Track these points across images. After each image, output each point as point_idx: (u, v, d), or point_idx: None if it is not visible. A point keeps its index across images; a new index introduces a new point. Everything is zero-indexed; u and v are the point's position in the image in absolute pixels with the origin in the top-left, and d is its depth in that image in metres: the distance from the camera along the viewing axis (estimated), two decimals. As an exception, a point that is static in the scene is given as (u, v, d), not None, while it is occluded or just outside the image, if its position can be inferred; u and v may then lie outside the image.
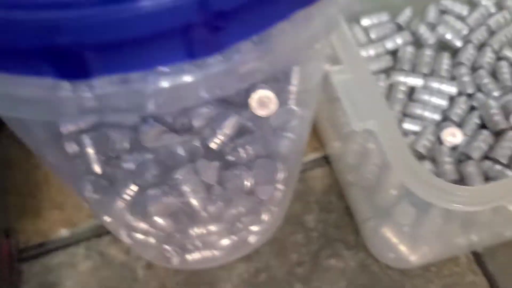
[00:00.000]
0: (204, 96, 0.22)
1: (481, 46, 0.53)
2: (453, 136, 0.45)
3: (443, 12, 0.56)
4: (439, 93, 0.49)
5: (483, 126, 0.47)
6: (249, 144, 0.35)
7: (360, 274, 0.43)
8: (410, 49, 0.52)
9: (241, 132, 0.35)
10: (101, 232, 0.45)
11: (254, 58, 0.22)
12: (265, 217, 0.40)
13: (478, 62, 0.51)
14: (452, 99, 0.49)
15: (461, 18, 0.55)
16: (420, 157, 0.44)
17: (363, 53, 0.52)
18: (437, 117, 0.47)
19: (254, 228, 0.41)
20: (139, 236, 0.38)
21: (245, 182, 0.35)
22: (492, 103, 0.46)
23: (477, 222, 0.39)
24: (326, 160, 0.49)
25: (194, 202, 0.33)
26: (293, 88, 0.35)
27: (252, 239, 0.42)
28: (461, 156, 0.45)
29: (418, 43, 0.53)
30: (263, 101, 0.34)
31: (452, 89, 0.49)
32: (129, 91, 0.20)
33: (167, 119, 0.34)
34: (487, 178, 0.42)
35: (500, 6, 0.56)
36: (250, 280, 0.43)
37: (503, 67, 0.50)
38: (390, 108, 0.47)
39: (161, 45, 0.18)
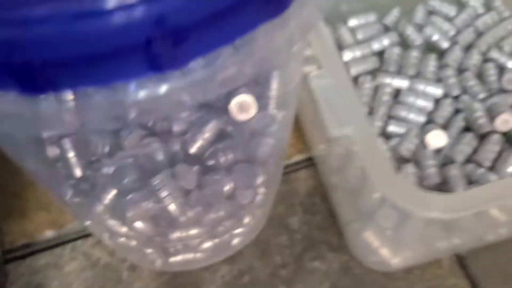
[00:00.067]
0: (186, 102, 0.22)
1: (468, 48, 0.53)
2: (437, 139, 0.45)
3: (431, 12, 0.56)
4: (424, 95, 0.49)
5: (468, 128, 0.47)
6: (229, 148, 0.35)
7: (343, 276, 0.43)
8: (396, 50, 0.52)
9: (221, 137, 0.35)
10: (87, 233, 0.45)
11: (234, 64, 0.22)
12: (247, 220, 0.41)
13: (464, 63, 0.51)
14: (437, 101, 0.49)
15: (448, 19, 0.55)
16: (404, 160, 0.44)
17: (350, 54, 0.52)
18: (422, 119, 0.47)
19: (237, 230, 0.41)
20: (121, 239, 0.38)
21: (225, 187, 0.35)
22: (477, 106, 0.47)
23: (459, 227, 0.39)
24: (311, 161, 0.49)
25: (173, 207, 0.33)
26: (272, 92, 0.35)
27: (235, 241, 0.42)
28: (445, 159, 0.45)
29: (405, 44, 0.53)
30: (243, 106, 0.34)
31: (437, 91, 0.49)
32: (109, 102, 0.20)
33: (148, 123, 0.34)
34: (470, 182, 0.43)
35: (488, 7, 0.56)
36: (234, 281, 0.43)
37: (489, 69, 0.50)
38: (371, 113, 0.47)
39: (124, 60, 0.18)
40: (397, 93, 0.49)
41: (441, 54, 0.53)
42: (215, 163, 0.35)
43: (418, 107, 0.48)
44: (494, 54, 0.52)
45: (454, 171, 0.43)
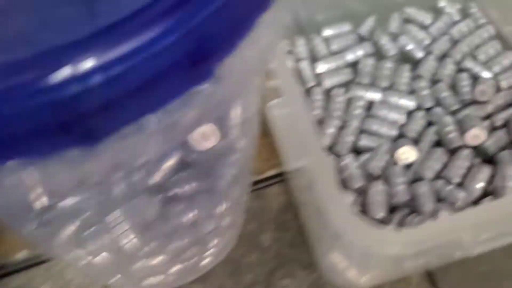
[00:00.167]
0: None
1: (443, 57, 0.52)
2: (407, 155, 0.45)
3: (407, 20, 0.56)
4: (397, 108, 0.48)
5: (439, 142, 0.47)
6: (191, 178, 0.35)
7: (314, 293, 0.44)
8: (370, 61, 0.52)
9: (183, 166, 0.35)
10: (60, 253, 0.46)
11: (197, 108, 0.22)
12: (215, 242, 0.41)
13: (438, 74, 0.51)
14: (410, 113, 0.49)
15: (424, 27, 0.55)
16: (374, 177, 0.44)
17: (323, 66, 0.52)
18: (394, 132, 0.47)
19: (205, 253, 0.41)
20: (88, 266, 0.38)
21: (187, 216, 0.36)
22: (448, 120, 0.46)
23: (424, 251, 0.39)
24: (284, 176, 0.49)
25: (134, 240, 0.34)
26: (233, 121, 0.35)
27: (204, 262, 0.42)
28: (415, 174, 0.45)
29: (380, 54, 0.53)
30: (204, 135, 0.34)
31: (410, 104, 0.49)
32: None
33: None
34: (439, 199, 0.43)
35: (465, 14, 0.56)
36: (206, 300, 0.44)
37: (463, 79, 0.50)
38: (343, 127, 0.47)
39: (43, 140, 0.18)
40: (370, 105, 0.49)
41: (416, 64, 0.52)
42: (176, 193, 0.35)
43: (391, 120, 0.48)
44: (468, 63, 0.51)
45: (423, 189, 0.43)
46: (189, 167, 0.35)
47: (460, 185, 0.43)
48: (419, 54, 0.52)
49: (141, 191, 0.35)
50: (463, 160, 0.44)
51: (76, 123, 0.18)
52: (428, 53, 0.52)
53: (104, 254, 0.36)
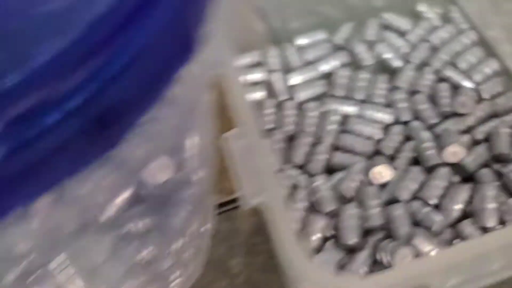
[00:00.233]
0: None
1: (422, 66, 0.50)
2: (382, 175, 0.43)
3: (386, 27, 0.53)
4: (373, 122, 0.46)
5: (417, 159, 0.44)
6: (145, 213, 0.33)
7: (285, 321, 0.42)
8: (345, 72, 0.49)
9: (137, 200, 0.33)
10: None
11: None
12: (177, 274, 0.39)
13: (417, 84, 0.48)
14: (387, 127, 0.46)
15: (402, 33, 0.52)
16: (346, 199, 0.42)
17: (296, 77, 0.49)
18: (369, 148, 0.45)
19: (168, 286, 0.39)
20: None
21: (141, 254, 0.33)
22: (425, 135, 0.44)
23: None
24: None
25: (81, 284, 0.31)
26: (189, 152, 0.33)
27: (169, 293, 0.40)
28: (390, 195, 0.42)
29: (356, 64, 0.51)
30: (159, 168, 0.32)
31: (386, 118, 0.46)
32: None
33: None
34: (416, 222, 0.40)
35: (445, 19, 0.53)
36: (173, 331, 0.41)
37: (442, 90, 0.48)
38: (316, 143, 0.45)
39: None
40: (345, 119, 0.47)
41: (394, 73, 0.50)
42: (129, 230, 0.33)
43: (366, 136, 0.46)
44: (449, 72, 0.49)
45: (398, 212, 0.40)
46: (143, 201, 0.33)
47: (437, 206, 0.41)
48: (397, 63, 0.50)
49: (90, 230, 0.33)
50: (441, 179, 0.42)
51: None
52: (406, 62, 0.50)
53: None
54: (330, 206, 0.41)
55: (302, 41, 0.52)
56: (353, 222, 0.40)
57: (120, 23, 0.15)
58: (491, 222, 0.39)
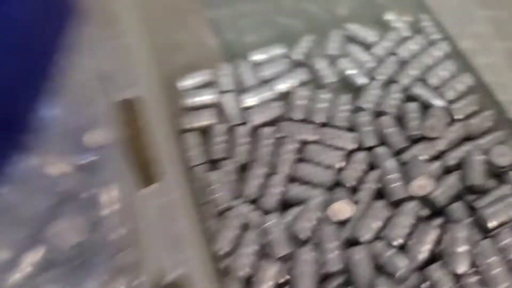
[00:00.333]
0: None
1: (389, 83, 0.45)
2: (341, 212, 0.38)
3: (350, 39, 0.48)
4: (334, 149, 0.42)
5: (381, 192, 0.40)
6: (56, 280, 0.29)
7: None
8: (304, 92, 0.44)
9: (47, 265, 0.28)
10: None
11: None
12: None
13: (383, 104, 0.44)
14: (349, 153, 0.42)
15: (369, 46, 0.48)
16: (302, 241, 0.38)
17: (250, 99, 0.44)
18: (329, 179, 0.40)
19: None
20: None
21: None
22: (391, 164, 0.40)
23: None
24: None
25: None
26: (102, 211, 0.28)
27: None
28: (351, 234, 0.38)
29: (317, 81, 0.46)
30: (70, 229, 0.28)
31: (348, 144, 0.42)
32: None
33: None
34: (379, 266, 0.36)
35: (416, 29, 0.49)
36: None
37: (411, 111, 0.43)
38: (271, 174, 0.40)
39: None
40: (302, 146, 0.42)
41: (358, 92, 0.45)
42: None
43: (326, 165, 0.41)
44: (418, 89, 0.45)
45: (358, 256, 0.36)
46: (54, 266, 0.29)
47: (403, 247, 0.36)
48: (362, 80, 0.45)
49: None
50: (407, 216, 0.37)
51: None
52: (372, 78, 0.45)
53: None
54: (283, 250, 0.37)
55: (258, 56, 0.47)
56: (309, 268, 0.36)
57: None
58: (462, 267, 0.35)
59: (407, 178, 0.39)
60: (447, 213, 0.38)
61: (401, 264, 0.35)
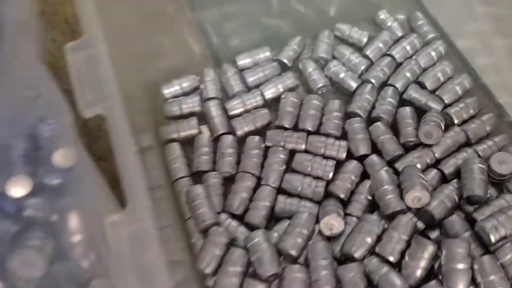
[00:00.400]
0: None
1: (382, 86, 0.43)
2: (331, 227, 0.36)
3: (341, 40, 0.46)
4: (324, 159, 0.39)
5: (375, 204, 0.37)
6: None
7: None
8: (292, 98, 0.42)
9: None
10: None
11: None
12: None
13: (376, 109, 0.42)
14: (340, 164, 0.39)
15: (360, 48, 0.45)
16: (291, 259, 0.35)
17: (236, 107, 0.42)
18: (319, 191, 0.38)
19: None
20: None
21: None
22: (384, 176, 0.37)
23: None
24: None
25: None
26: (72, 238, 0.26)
27: None
28: (342, 250, 0.36)
29: (307, 86, 0.44)
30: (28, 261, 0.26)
31: (339, 154, 0.39)
32: None
33: None
34: (373, 283, 0.34)
35: (410, 27, 0.46)
36: None
37: (406, 116, 0.41)
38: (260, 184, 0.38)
39: None
40: (291, 156, 0.40)
41: (349, 96, 0.43)
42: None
43: (316, 175, 0.39)
44: (413, 93, 0.42)
45: (350, 274, 0.34)
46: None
47: (398, 264, 0.34)
48: (353, 84, 0.43)
49: None
50: (402, 230, 0.35)
51: None
52: (364, 81, 0.43)
53: None
54: (271, 270, 0.34)
55: (244, 61, 0.44)
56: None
57: None
58: (461, 284, 0.32)
59: (402, 188, 0.36)
60: (445, 225, 0.36)
61: (397, 283, 0.33)
